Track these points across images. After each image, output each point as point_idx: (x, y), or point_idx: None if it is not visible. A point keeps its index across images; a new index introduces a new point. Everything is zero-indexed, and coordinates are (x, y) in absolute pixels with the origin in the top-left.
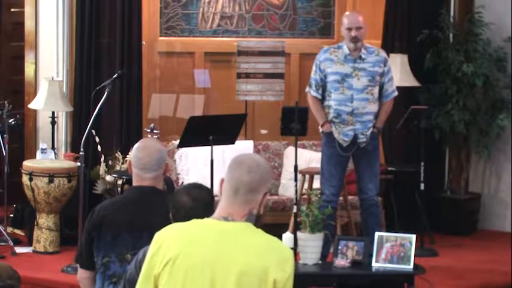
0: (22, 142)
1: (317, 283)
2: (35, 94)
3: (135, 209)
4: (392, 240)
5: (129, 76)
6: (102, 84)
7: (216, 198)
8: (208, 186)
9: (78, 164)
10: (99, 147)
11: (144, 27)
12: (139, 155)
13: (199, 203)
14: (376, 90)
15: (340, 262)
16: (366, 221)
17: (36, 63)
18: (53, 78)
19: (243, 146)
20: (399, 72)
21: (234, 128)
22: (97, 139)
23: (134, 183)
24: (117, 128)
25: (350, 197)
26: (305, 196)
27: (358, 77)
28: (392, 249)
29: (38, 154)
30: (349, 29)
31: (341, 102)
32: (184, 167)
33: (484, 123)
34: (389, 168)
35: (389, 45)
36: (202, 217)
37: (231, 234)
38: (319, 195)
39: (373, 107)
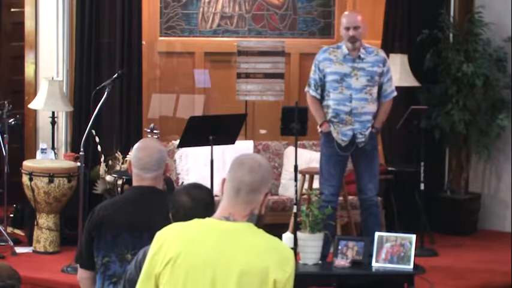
0: (22, 142)
1: (317, 283)
2: (35, 94)
3: (135, 209)
4: (392, 240)
5: (129, 76)
6: (102, 84)
7: (216, 198)
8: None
9: (78, 164)
10: (99, 147)
11: (144, 27)
12: (139, 155)
13: (199, 203)
14: (374, 90)
15: (340, 262)
16: (366, 221)
17: (36, 63)
18: (53, 78)
19: (243, 146)
20: (399, 72)
21: (234, 128)
22: (97, 139)
23: (134, 183)
24: (117, 128)
25: (350, 197)
26: (305, 196)
27: (357, 77)
28: (392, 249)
29: (38, 154)
30: (347, 29)
31: (340, 102)
32: (184, 167)
33: (484, 123)
34: (389, 168)
35: (389, 45)
36: (202, 217)
37: (232, 234)
38: (319, 195)
39: (372, 107)
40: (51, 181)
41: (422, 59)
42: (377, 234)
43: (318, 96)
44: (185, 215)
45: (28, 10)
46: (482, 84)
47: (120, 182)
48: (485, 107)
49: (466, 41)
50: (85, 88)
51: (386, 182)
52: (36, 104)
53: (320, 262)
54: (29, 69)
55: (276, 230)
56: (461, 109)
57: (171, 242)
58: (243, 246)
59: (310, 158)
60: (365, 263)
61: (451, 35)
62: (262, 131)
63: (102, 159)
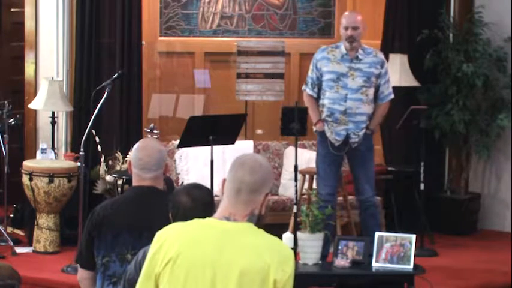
0: (22, 142)
1: (317, 283)
2: (35, 94)
3: (135, 209)
4: (392, 240)
5: (129, 76)
6: (102, 84)
7: (217, 198)
8: (208, 186)
9: (78, 164)
10: (99, 147)
11: (144, 27)
12: (139, 155)
13: (199, 203)
14: (371, 91)
15: (340, 262)
16: (366, 222)
17: (36, 63)
18: (53, 78)
19: (243, 146)
20: (399, 72)
21: (234, 128)
22: (97, 139)
23: (134, 183)
24: (117, 128)
25: (350, 197)
26: (305, 196)
27: (353, 77)
28: (392, 249)
29: (38, 154)
30: (346, 28)
31: (335, 101)
32: (184, 167)
33: (484, 123)
34: (389, 168)
35: (389, 45)
36: (202, 217)
37: (233, 234)
38: (318, 195)
39: (367, 108)
40: (51, 181)
41: (422, 59)
42: (377, 234)
43: (315, 95)
44: (185, 215)
45: (28, 10)
46: (482, 84)
47: (120, 182)
48: (485, 107)
49: (466, 41)
50: (85, 88)
51: (387, 182)
52: (36, 104)
53: (320, 262)
54: (29, 69)
55: (276, 230)
56: (461, 109)
57: (171, 242)
58: (243, 246)
59: (310, 158)
60: (365, 263)
61: (451, 35)
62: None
63: (102, 159)
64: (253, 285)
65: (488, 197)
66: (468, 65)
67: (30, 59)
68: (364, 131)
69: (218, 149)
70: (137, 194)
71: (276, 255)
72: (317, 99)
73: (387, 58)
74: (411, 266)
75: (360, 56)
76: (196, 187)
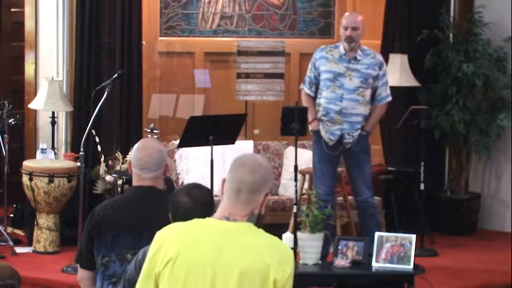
0: (22, 142)
1: (317, 283)
2: (35, 94)
3: (135, 209)
4: (392, 240)
5: (129, 76)
6: (102, 84)
7: (216, 198)
8: (208, 186)
9: (78, 164)
10: (99, 147)
11: (144, 27)
12: (139, 155)
13: (199, 203)
14: (367, 92)
15: (340, 262)
16: (365, 223)
17: (36, 63)
18: (53, 78)
19: (243, 146)
20: (399, 72)
21: (234, 128)
22: (97, 139)
23: (134, 183)
24: (117, 128)
25: (350, 197)
26: (305, 196)
27: (351, 77)
28: (392, 249)
29: (38, 154)
30: (345, 28)
31: (331, 101)
32: (184, 167)
33: (484, 123)
34: (389, 168)
35: (389, 45)
36: (201, 217)
37: (233, 234)
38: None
39: (363, 109)
40: (51, 181)
41: (422, 59)
42: (377, 234)
43: (312, 94)
44: (185, 215)
45: (28, 10)
46: (482, 84)
47: (120, 182)
48: (485, 107)
49: (466, 41)
50: (85, 88)
51: (386, 182)
52: (36, 104)
53: (320, 262)
54: (29, 69)
55: (276, 230)
56: (461, 109)
57: (171, 241)
58: (243, 246)
59: (310, 158)
60: (365, 263)
61: (451, 35)
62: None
63: (102, 159)
64: (253, 285)
65: (488, 197)
66: (468, 65)
67: (30, 59)
68: (359, 131)
69: (218, 149)
70: (137, 194)
71: (276, 255)
72: (315, 98)
73: (387, 58)
74: (411, 266)
75: (358, 57)
76: (196, 187)
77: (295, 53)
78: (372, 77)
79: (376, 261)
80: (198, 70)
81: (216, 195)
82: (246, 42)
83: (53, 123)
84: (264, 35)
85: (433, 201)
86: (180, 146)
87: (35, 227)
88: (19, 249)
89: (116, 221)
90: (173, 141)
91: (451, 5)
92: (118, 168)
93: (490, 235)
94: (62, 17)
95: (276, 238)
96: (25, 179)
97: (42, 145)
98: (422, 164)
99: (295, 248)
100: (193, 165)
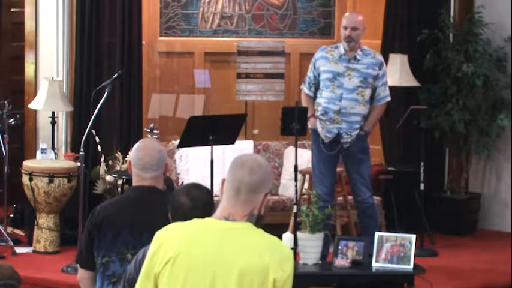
0: (22, 142)
1: (317, 283)
2: (35, 94)
3: (135, 209)
4: (392, 240)
5: (129, 76)
6: (102, 84)
7: (216, 199)
8: (208, 186)
9: (78, 164)
10: (99, 147)
11: (144, 27)
12: (139, 155)
13: (199, 203)
14: (367, 92)
15: (340, 262)
16: (365, 224)
17: (36, 63)
18: (53, 78)
19: (243, 146)
20: (399, 72)
21: (234, 128)
22: (97, 139)
23: (134, 183)
24: (117, 128)
25: (350, 197)
26: (305, 196)
27: (350, 77)
28: (392, 249)
29: (38, 154)
30: (345, 28)
31: (330, 101)
32: (184, 167)
33: (484, 123)
34: (389, 168)
35: (389, 45)
36: (201, 217)
37: (232, 234)
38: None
39: (362, 109)
40: (51, 181)
41: (422, 59)
42: (377, 234)
43: (311, 94)
44: (184, 215)
45: (28, 10)
46: (482, 84)
47: (120, 182)
48: (485, 107)
49: (466, 41)
50: (85, 88)
51: (386, 182)
52: (36, 104)
53: (320, 262)
54: (29, 69)
55: (276, 230)
56: (461, 109)
57: (171, 241)
58: (242, 246)
59: (310, 158)
60: (365, 263)
61: (451, 35)
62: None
63: (102, 159)
64: (253, 284)
65: (488, 197)
66: (468, 65)
67: (30, 59)
68: (357, 131)
69: (218, 149)
70: (137, 194)
71: (276, 254)
72: (314, 98)
73: (387, 58)
74: (411, 266)
75: (358, 57)
76: (195, 187)
77: (295, 53)
78: (372, 77)
79: (376, 261)
80: (198, 70)
81: (215, 195)
82: (246, 42)
83: (53, 123)
84: (264, 35)
85: (433, 201)
86: (180, 146)
87: (35, 227)
88: (19, 249)
89: (116, 221)
90: (173, 141)
91: (451, 5)
92: (118, 168)
93: (490, 235)
94: (62, 17)
95: (275, 238)
96: (25, 179)
97: (42, 145)
98: (422, 164)
99: (295, 248)
100: (193, 165)
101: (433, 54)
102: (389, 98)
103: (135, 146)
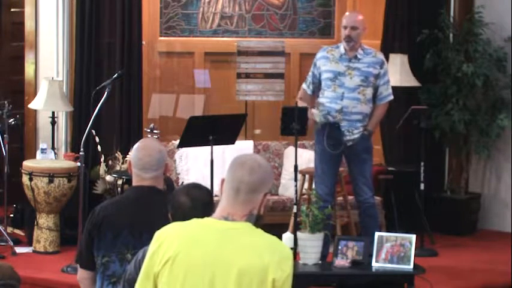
0: (22, 142)
1: (317, 283)
2: (35, 94)
3: (135, 209)
4: (392, 240)
5: (129, 76)
6: (102, 84)
7: (216, 198)
8: (208, 186)
9: (78, 164)
10: (99, 147)
11: (144, 27)
12: (139, 155)
13: (198, 203)
14: (368, 91)
15: (340, 262)
16: (365, 223)
17: (36, 63)
18: (53, 78)
19: (243, 146)
20: (399, 72)
21: (234, 128)
22: (97, 139)
23: (134, 183)
24: (117, 128)
25: (350, 197)
26: (305, 196)
27: (351, 76)
28: (392, 249)
29: (38, 154)
30: (345, 28)
31: (332, 100)
32: (184, 167)
33: (484, 123)
34: (389, 168)
35: (389, 45)
36: (201, 217)
37: (231, 233)
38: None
39: (364, 108)
40: (51, 181)
41: (422, 59)
42: (377, 234)
43: (309, 92)
44: (184, 215)
45: (28, 10)
46: (482, 84)
47: (120, 182)
48: (485, 107)
49: (466, 41)
50: (85, 88)
51: (386, 182)
52: (36, 104)
53: (320, 262)
54: (29, 69)
55: (276, 230)
56: (461, 109)
57: (170, 241)
58: (241, 245)
59: (310, 158)
60: (365, 263)
61: (451, 35)
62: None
63: (102, 159)
64: (252, 284)
65: (488, 197)
66: (468, 65)
67: (30, 59)
68: (360, 130)
69: (218, 149)
70: (137, 194)
71: (275, 254)
72: (312, 95)
73: (387, 58)
74: (411, 266)
75: (359, 56)
76: (195, 187)
77: (295, 53)
78: (373, 76)
79: (376, 261)
80: (198, 70)
81: (215, 195)
82: (246, 42)
83: (53, 123)
84: (264, 35)
85: (433, 201)
86: (180, 146)
87: (35, 227)
88: (19, 249)
89: (116, 221)
90: (173, 141)
91: (451, 5)
92: (118, 168)
93: (490, 235)
94: (62, 17)
95: (274, 238)
96: (25, 179)
97: (42, 145)
98: (422, 164)
99: (295, 248)
100: (193, 165)
101: (433, 54)
102: (392, 97)
103: (135, 146)
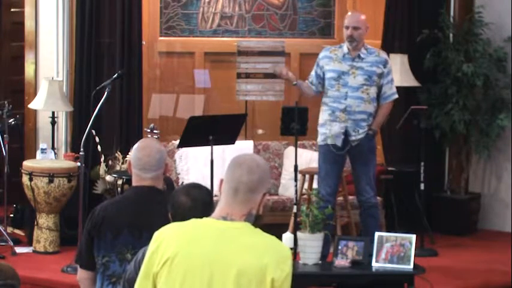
0: (22, 142)
1: (317, 283)
2: (35, 94)
3: (135, 209)
4: (392, 240)
5: (129, 76)
6: (102, 84)
7: (216, 198)
8: (208, 186)
9: (78, 164)
10: (99, 147)
11: (144, 27)
12: (139, 155)
13: (198, 203)
14: (372, 90)
15: (340, 262)
16: (366, 223)
17: (36, 63)
18: (53, 78)
19: (243, 146)
20: (399, 72)
21: (234, 128)
22: (97, 139)
23: (134, 183)
24: (117, 128)
25: (350, 197)
26: (305, 196)
27: (355, 75)
28: (392, 249)
29: (38, 154)
30: (347, 28)
31: (335, 100)
32: (184, 167)
33: (484, 123)
34: (389, 168)
35: (389, 45)
36: (201, 217)
37: (230, 233)
38: (318, 195)
39: (368, 107)
40: (51, 181)
41: (422, 59)
42: (377, 234)
43: (314, 88)
44: (184, 215)
45: (28, 10)
46: (482, 84)
47: (120, 182)
48: (485, 107)
49: (466, 41)
50: (85, 88)
51: (386, 182)
52: (36, 104)
53: (320, 262)
54: (29, 69)
55: (276, 230)
56: (461, 109)
57: (169, 241)
58: (240, 245)
59: (310, 158)
60: (365, 263)
61: (451, 35)
62: (260, 131)
63: (102, 159)
64: (251, 284)
65: (488, 197)
66: (468, 65)
67: (30, 59)
68: (365, 130)
69: (218, 149)
70: (137, 194)
71: (274, 254)
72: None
73: None
74: (411, 266)
75: (362, 55)
76: (195, 187)
77: (295, 53)
78: (376, 75)
79: (376, 261)
80: (198, 70)
81: (215, 195)
82: (246, 42)
83: (53, 123)
84: (264, 35)
85: (433, 201)
86: (180, 146)
87: (35, 227)
88: (19, 249)
89: (116, 221)
90: (173, 141)
91: (451, 5)
92: (118, 168)
93: (490, 235)
94: (62, 17)
95: (273, 237)
96: (25, 179)
97: (42, 145)
98: (422, 164)
99: (295, 248)
100: (193, 165)
101: (433, 54)
102: (396, 96)
103: (135, 146)
